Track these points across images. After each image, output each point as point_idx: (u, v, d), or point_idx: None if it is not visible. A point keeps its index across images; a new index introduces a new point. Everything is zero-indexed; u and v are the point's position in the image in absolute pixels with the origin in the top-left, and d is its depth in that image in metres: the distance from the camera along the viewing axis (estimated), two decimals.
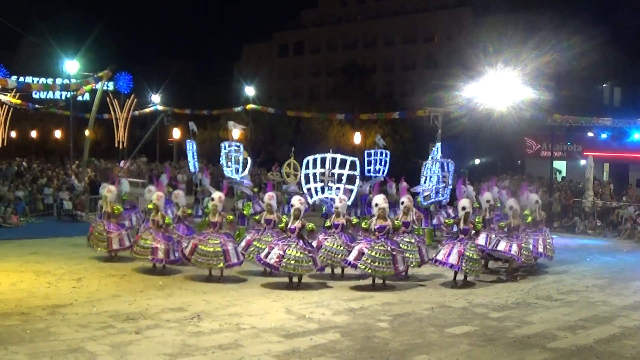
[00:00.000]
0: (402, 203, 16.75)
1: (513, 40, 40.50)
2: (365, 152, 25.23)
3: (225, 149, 22.26)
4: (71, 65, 35.96)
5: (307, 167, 18.04)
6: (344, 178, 17.63)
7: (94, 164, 42.07)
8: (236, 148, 22.23)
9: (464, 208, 15.90)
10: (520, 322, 12.02)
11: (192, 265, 15.30)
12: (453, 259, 15.31)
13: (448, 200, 21.62)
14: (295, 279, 14.73)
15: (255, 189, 23.60)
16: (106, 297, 13.05)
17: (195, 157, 26.69)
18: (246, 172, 22.64)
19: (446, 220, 16.85)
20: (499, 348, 10.34)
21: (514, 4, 54.95)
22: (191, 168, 26.72)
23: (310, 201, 17.70)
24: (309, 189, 17.72)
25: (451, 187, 21.02)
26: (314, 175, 17.74)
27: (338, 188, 17.47)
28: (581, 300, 14.30)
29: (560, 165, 40.06)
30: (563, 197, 29.42)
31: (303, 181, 18.16)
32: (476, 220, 17.30)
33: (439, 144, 21.59)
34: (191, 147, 26.62)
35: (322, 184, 17.57)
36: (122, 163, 37.31)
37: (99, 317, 11.33)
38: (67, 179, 30.87)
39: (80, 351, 9.46)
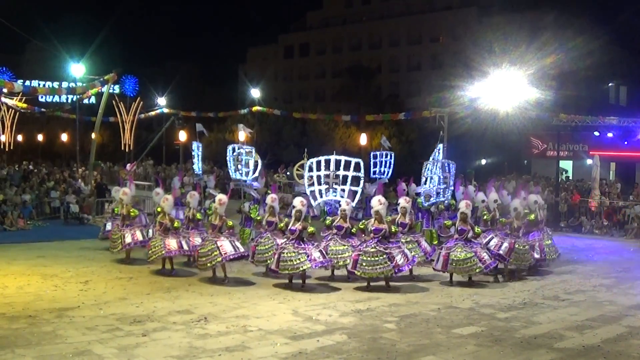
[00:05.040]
0: (399, 204, 16.81)
1: (518, 40, 40.50)
2: (371, 154, 25.20)
3: (235, 151, 22.28)
4: (77, 69, 36.06)
5: (310, 170, 17.99)
6: (349, 180, 17.61)
7: (101, 167, 42.21)
8: (247, 150, 22.28)
9: (458, 209, 16.04)
10: (527, 323, 12.00)
11: (201, 270, 15.58)
12: (439, 265, 15.59)
13: (449, 202, 21.54)
14: (298, 280, 14.82)
15: (268, 191, 23.56)
16: (113, 299, 13.09)
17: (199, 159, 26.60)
18: (257, 174, 22.64)
19: (445, 222, 16.83)
20: (506, 348, 10.32)
21: (518, 4, 54.86)
22: (196, 170, 26.73)
23: (314, 204, 17.64)
24: (312, 192, 17.65)
25: (452, 188, 20.91)
26: (318, 177, 17.68)
27: (343, 190, 17.44)
28: (588, 300, 14.26)
29: (567, 164, 40.02)
30: (569, 196, 29.36)
31: (306, 184, 18.10)
32: (484, 219, 17.31)
33: (440, 145, 21.46)
34: (197, 148, 26.59)
35: (327, 186, 17.54)
36: (128, 166, 37.37)
37: (106, 320, 11.36)
38: (73, 182, 30.96)
39: (87, 354, 9.49)
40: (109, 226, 19.67)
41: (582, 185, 31.99)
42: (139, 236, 17.74)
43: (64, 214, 27.16)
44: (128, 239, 17.61)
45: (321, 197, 17.49)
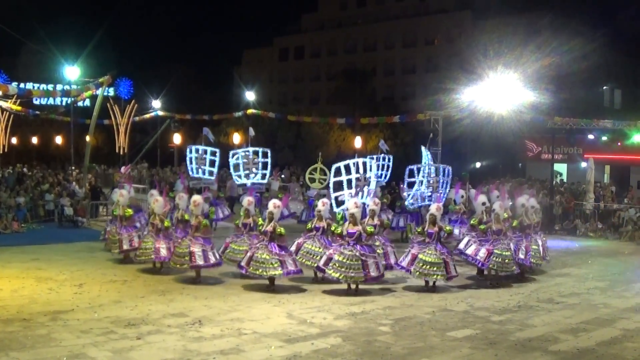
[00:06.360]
0: (368, 206, 16.74)
1: (513, 43, 40.47)
2: (369, 158, 25.13)
3: (247, 154, 22.36)
4: (72, 71, 35.88)
5: (338, 174, 17.69)
6: (371, 181, 17.58)
7: (95, 170, 42.10)
8: (258, 152, 22.34)
9: (429, 211, 15.96)
10: (521, 325, 12.02)
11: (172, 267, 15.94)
12: (405, 262, 15.43)
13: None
14: (264, 280, 14.89)
15: (280, 194, 23.54)
16: (107, 302, 13.08)
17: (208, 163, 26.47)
18: (258, 177, 22.70)
19: (417, 229, 16.65)
20: (501, 351, 10.33)
21: (513, 7, 54.94)
22: (191, 173, 26.64)
23: (337, 210, 17.42)
24: (336, 197, 17.33)
25: (447, 191, 20.70)
26: (349, 181, 17.46)
27: (369, 191, 17.39)
28: (582, 302, 14.30)
29: (561, 167, 40.06)
30: (564, 199, 29.41)
31: (332, 189, 17.87)
32: (471, 222, 17.26)
33: (423, 147, 21.31)
34: (194, 151, 26.50)
35: (358, 189, 17.39)
36: (123, 169, 37.31)
37: (100, 323, 11.34)
38: (68, 185, 30.87)
39: (82, 357, 9.47)
40: (109, 229, 19.82)
41: (576, 188, 32.06)
42: (136, 242, 17.92)
43: (59, 217, 27.12)
44: (125, 246, 17.96)
45: (347, 201, 17.19)
